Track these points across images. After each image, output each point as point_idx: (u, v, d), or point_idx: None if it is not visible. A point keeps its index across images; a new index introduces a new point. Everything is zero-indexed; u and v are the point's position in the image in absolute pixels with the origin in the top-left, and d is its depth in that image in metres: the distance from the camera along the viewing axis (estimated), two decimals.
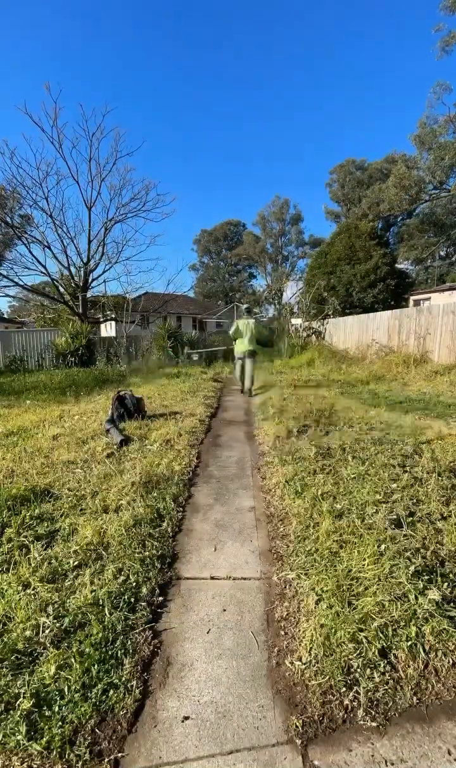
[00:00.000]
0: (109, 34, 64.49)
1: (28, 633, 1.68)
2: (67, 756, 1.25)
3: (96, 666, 1.54)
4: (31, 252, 17.86)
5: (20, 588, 1.98)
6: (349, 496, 2.84)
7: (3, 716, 1.35)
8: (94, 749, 1.29)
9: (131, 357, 14.37)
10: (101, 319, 20.44)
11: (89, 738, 1.31)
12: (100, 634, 1.68)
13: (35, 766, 1.23)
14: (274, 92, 74.68)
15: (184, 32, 69.03)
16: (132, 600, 1.92)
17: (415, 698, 1.44)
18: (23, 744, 1.27)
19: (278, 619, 1.85)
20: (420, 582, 1.86)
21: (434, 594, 1.78)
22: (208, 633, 1.79)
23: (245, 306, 8.93)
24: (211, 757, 1.27)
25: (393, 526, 2.38)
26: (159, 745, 1.31)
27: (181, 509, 2.98)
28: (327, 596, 1.84)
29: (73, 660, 1.55)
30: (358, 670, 1.51)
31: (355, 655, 1.56)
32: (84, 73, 59.76)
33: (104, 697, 1.44)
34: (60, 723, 1.33)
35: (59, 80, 42.20)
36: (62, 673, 1.50)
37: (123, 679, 1.52)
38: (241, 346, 7.94)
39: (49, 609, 1.82)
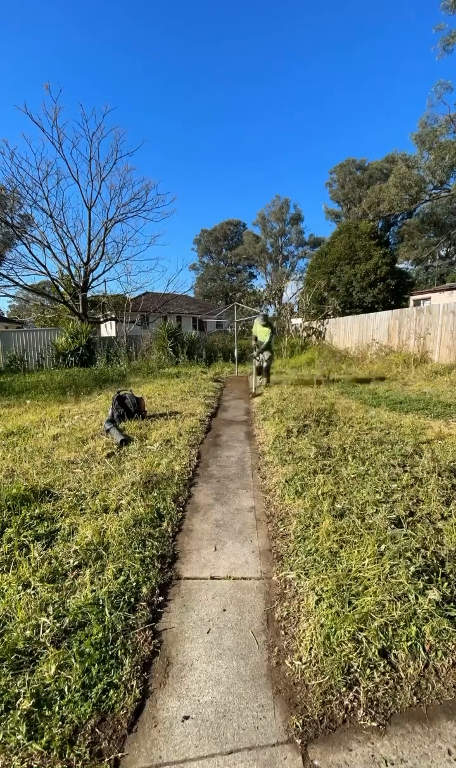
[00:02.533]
0: (109, 33, 64.48)
1: (28, 633, 1.69)
2: (67, 756, 1.25)
3: (96, 666, 1.54)
4: (31, 252, 17.95)
5: (20, 588, 1.98)
6: (349, 496, 2.84)
7: (3, 716, 1.35)
8: (94, 749, 1.29)
9: (131, 357, 14.37)
10: (101, 319, 20.44)
11: (89, 738, 1.31)
12: (100, 634, 1.68)
13: (35, 766, 1.23)
14: (274, 92, 74.67)
15: (183, 30, 69.05)
16: (132, 600, 1.92)
17: (415, 698, 1.44)
18: (23, 744, 1.27)
19: (278, 619, 1.85)
20: (420, 582, 1.86)
21: (434, 594, 1.78)
22: (208, 633, 1.79)
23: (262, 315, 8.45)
24: (211, 756, 1.28)
25: (393, 526, 2.38)
26: (159, 745, 1.31)
27: (181, 509, 2.98)
28: (327, 596, 1.84)
29: (73, 660, 1.55)
30: (358, 670, 1.51)
31: (355, 654, 1.56)
32: (84, 73, 59.78)
33: (104, 696, 1.44)
34: (60, 723, 1.34)
35: (59, 80, 42.18)
36: (62, 673, 1.51)
37: (123, 679, 1.52)
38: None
39: (49, 609, 1.83)
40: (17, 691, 1.43)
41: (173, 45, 71.66)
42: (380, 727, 1.35)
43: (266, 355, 8.17)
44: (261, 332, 8.15)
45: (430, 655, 1.57)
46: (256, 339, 8.30)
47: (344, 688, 1.46)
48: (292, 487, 3.10)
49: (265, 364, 8.22)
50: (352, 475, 3.20)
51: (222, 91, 75.97)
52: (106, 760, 1.26)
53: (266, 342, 8.02)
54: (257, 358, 8.23)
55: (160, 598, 2.00)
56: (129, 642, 1.69)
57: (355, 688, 1.46)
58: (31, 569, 2.12)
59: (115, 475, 3.42)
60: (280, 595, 2.02)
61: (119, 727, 1.36)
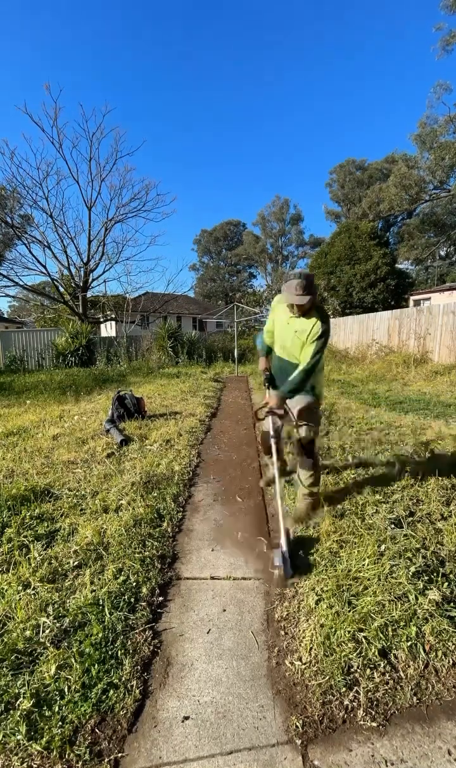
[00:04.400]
0: (109, 34, 64.46)
1: (28, 633, 1.69)
2: (67, 756, 1.25)
3: (96, 666, 1.54)
4: (31, 252, 17.93)
5: (20, 588, 1.98)
6: (349, 496, 2.84)
7: (3, 716, 1.35)
8: (94, 749, 1.29)
9: (131, 357, 14.37)
10: (101, 319, 20.45)
11: (89, 738, 1.31)
12: (100, 634, 1.68)
13: (35, 766, 1.23)
14: (274, 92, 74.62)
15: (182, 30, 69.03)
16: (132, 600, 1.92)
17: (415, 698, 1.44)
18: (23, 744, 1.27)
19: (278, 619, 1.85)
20: (420, 582, 1.86)
21: (434, 594, 1.78)
22: (208, 633, 1.79)
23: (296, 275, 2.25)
24: (211, 757, 1.27)
25: (393, 526, 2.38)
26: (159, 745, 1.31)
27: (181, 509, 2.98)
28: (327, 596, 1.84)
29: (73, 660, 1.55)
30: (358, 670, 1.51)
31: (355, 655, 1.56)
32: (84, 74, 59.66)
33: (104, 697, 1.44)
34: (60, 723, 1.33)
35: (59, 80, 42.17)
36: (62, 673, 1.50)
37: (123, 679, 1.52)
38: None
39: (49, 609, 1.83)
40: (17, 691, 1.43)
41: (172, 45, 71.62)
42: (380, 727, 1.35)
43: (305, 399, 2.48)
44: (296, 330, 2.37)
45: (430, 655, 1.57)
46: (264, 338, 2.74)
47: (344, 689, 1.45)
48: (293, 487, 3.09)
49: (303, 430, 2.53)
50: (352, 475, 3.20)
51: (221, 92, 75.95)
52: (106, 760, 1.26)
53: (311, 362, 2.31)
54: (275, 398, 2.49)
55: (160, 599, 2.00)
56: (129, 642, 1.69)
57: (355, 688, 1.46)
58: (31, 569, 2.12)
59: (115, 475, 3.42)
60: (280, 595, 2.01)
61: (119, 727, 1.36)
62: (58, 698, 1.42)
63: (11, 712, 1.36)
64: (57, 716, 1.35)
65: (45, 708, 1.38)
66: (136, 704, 1.44)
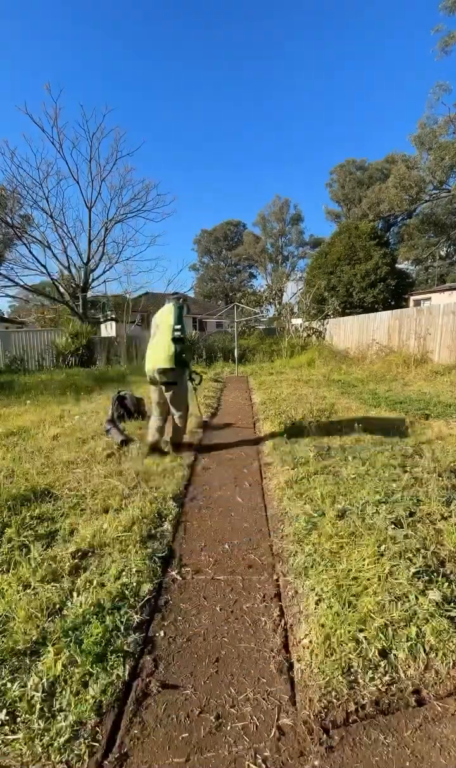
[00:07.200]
0: (109, 34, 64.41)
1: (28, 633, 1.68)
2: (67, 756, 1.25)
3: (96, 666, 1.54)
4: (31, 252, 17.86)
5: (20, 588, 1.98)
6: (350, 497, 2.84)
7: (2, 717, 1.35)
8: (94, 749, 1.28)
9: (131, 357, 14.37)
10: (101, 320, 20.45)
11: (89, 738, 1.31)
12: (101, 634, 1.68)
13: (35, 766, 1.22)
14: (273, 92, 74.55)
15: (182, 29, 68.94)
16: (132, 600, 1.92)
17: (415, 698, 1.44)
18: (23, 744, 1.26)
19: (278, 620, 1.85)
20: (420, 582, 1.86)
21: (434, 594, 1.78)
22: (208, 634, 1.79)
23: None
24: None
25: (393, 527, 2.38)
26: (157, 746, 1.31)
27: (181, 508, 2.98)
28: (327, 596, 1.84)
29: (73, 660, 1.55)
30: (359, 670, 1.51)
31: (355, 655, 1.56)
32: (84, 74, 59.59)
33: (104, 696, 1.44)
34: (60, 722, 1.33)
35: (59, 81, 42.12)
36: (62, 673, 1.50)
37: (123, 679, 1.51)
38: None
39: (49, 609, 1.82)
40: (17, 691, 1.43)
41: (173, 45, 71.59)
42: (380, 727, 1.35)
43: None
44: None
45: (430, 656, 1.57)
46: None
47: (344, 689, 1.45)
48: (292, 487, 3.10)
49: None
50: (352, 476, 3.20)
51: (221, 91, 75.90)
52: (107, 760, 1.26)
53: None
54: None
55: (161, 599, 2.00)
56: (129, 641, 1.68)
57: (356, 688, 1.46)
58: (31, 569, 2.12)
59: (115, 475, 3.42)
60: (280, 595, 2.01)
61: (119, 727, 1.36)
62: (58, 698, 1.42)
63: (12, 712, 1.36)
64: (57, 716, 1.35)
65: (45, 708, 1.38)
66: (137, 704, 1.44)
